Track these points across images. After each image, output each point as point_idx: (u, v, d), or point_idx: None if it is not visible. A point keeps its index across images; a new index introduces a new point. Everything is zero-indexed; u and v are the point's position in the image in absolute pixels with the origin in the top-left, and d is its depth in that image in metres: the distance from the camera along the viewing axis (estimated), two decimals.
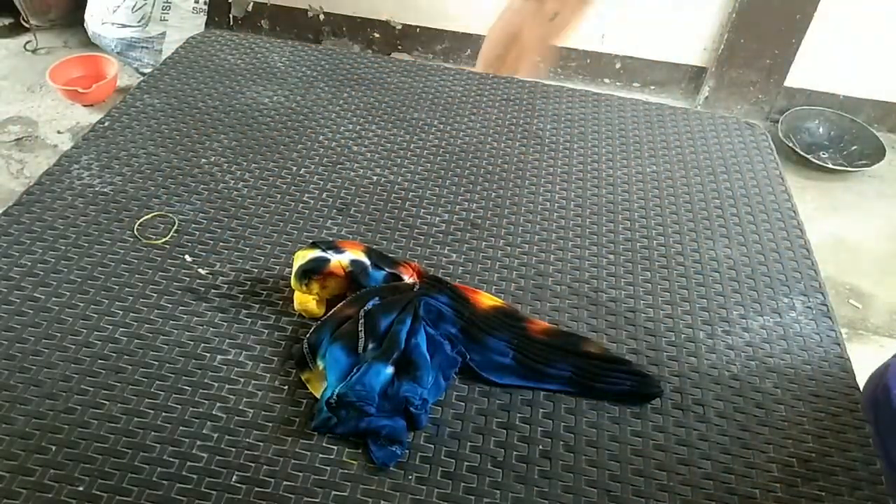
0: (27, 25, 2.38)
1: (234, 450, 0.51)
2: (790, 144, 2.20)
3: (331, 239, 0.68)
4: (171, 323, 0.60)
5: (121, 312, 0.60)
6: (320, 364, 0.56)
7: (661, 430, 0.56)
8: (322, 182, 0.77)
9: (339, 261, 0.60)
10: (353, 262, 0.60)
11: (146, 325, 0.59)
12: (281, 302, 0.63)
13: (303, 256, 0.60)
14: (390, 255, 0.66)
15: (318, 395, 0.55)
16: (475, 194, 0.77)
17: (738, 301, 0.68)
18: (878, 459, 0.55)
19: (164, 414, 0.53)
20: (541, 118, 0.90)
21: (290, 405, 0.55)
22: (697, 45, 2.28)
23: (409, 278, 0.62)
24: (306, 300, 0.60)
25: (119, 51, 2.22)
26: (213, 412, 0.53)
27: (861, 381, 0.63)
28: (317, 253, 0.60)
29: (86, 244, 0.66)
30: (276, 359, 0.58)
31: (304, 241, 0.69)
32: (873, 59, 2.20)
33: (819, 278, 0.71)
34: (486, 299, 0.62)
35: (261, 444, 0.52)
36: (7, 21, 2.44)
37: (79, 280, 0.63)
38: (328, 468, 0.51)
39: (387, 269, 0.62)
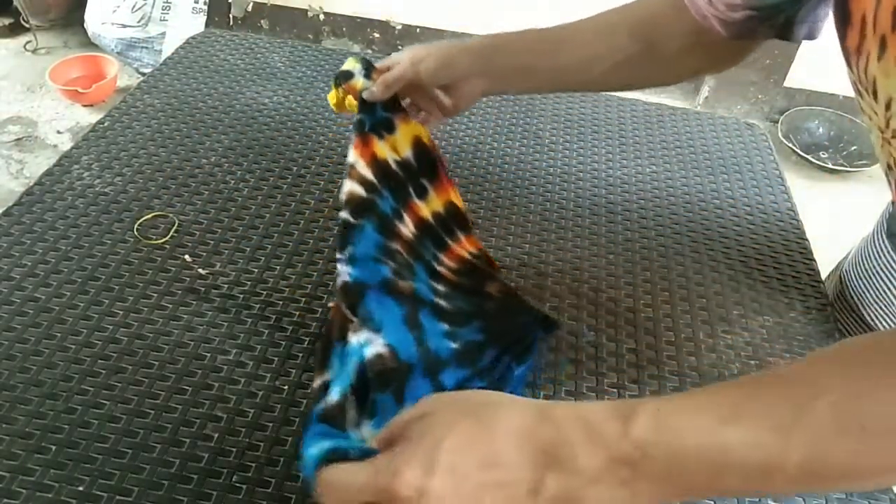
0: (27, 25, 2.38)
1: (234, 450, 0.51)
2: (790, 144, 2.20)
3: (376, 66, 0.65)
4: (172, 323, 0.60)
5: (121, 312, 0.60)
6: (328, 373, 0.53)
7: None
8: (322, 182, 0.77)
9: (356, 85, 0.62)
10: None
11: (147, 325, 0.59)
12: (281, 302, 0.63)
13: (349, 63, 0.63)
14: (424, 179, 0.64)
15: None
16: (475, 194, 0.77)
17: (737, 301, 0.68)
18: None
19: (164, 414, 0.53)
20: (541, 118, 0.91)
21: (290, 405, 0.55)
22: None
23: (408, 230, 0.60)
24: (332, 97, 0.65)
25: (119, 51, 2.22)
26: (214, 412, 0.53)
27: None
28: (355, 66, 0.63)
29: (86, 244, 0.66)
30: (276, 359, 0.58)
31: (305, 241, 0.69)
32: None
33: (819, 278, 0.72)
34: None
35: (261, 444, 0.52)
36: (7, 21, 2.45)
37: (79, 280, 0.63)
38: None
39: (391, 207, 0.59)
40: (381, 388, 0.48)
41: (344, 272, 0.54)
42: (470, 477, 0.33)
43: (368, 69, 0.63)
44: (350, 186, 0.58)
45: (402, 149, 0.63)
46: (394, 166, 0.62)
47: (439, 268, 0.62)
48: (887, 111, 0.43)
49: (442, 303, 0.58)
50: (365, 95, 0.61)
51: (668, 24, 0.59)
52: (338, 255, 0.55)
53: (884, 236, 0.67)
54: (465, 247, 0.65)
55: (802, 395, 0.32)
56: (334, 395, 0.47)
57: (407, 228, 0.61)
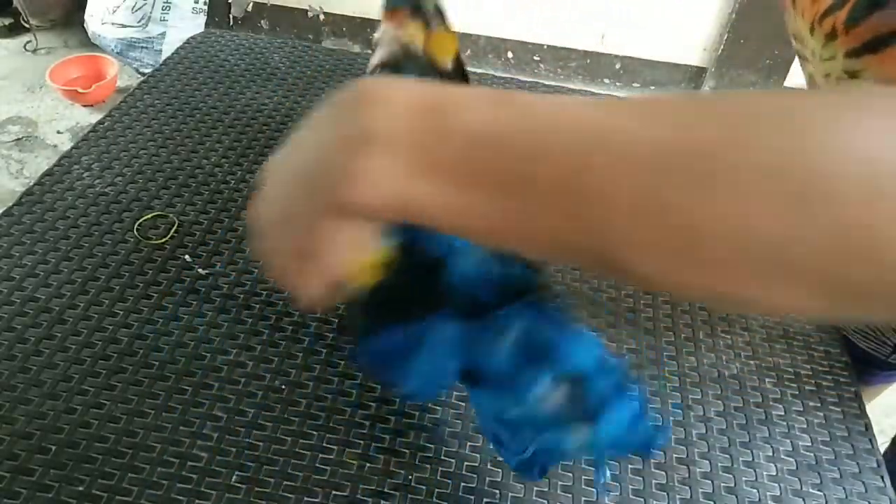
0: (27, 25, 2.38)
1: (234, 450, 0.51)
2: None
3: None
4: (172, 323, 0.60)
5: (122, 312, 0.60)
6: None
7: (660, 429, 0.56)
8: None
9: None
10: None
11: (147, 325, 0.59)
12: (281, 302, 0.63)
13: None
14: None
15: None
16: None
17: None
18: (878, 457, 0.56)
19: (164, 413, 0.53)
20: None
21: (289, 405, 0.55)
22: (697, 45, 2.28)
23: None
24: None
25: (119, 51, 2.22)
26: (214, 412, 0.53)
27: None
28: None
29: (86, 244, 0.66)
30: (275, 359, 0.58)
31: None
32: None
33: None
34: None
35: (261, 444, 0.52)
36: (7, 21, 2.45)
37: (79, 280, 0.63)
38: (328, 468, 0.51)
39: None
40: None
41: None
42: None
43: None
44: (380, 54, 0.52)
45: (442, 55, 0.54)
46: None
47: None
48: (796, 42, 0.57)
49: None
50: None
51: None
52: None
53: None
54: None
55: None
56: None
57: None
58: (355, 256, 0.31)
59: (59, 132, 2.08)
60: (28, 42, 2.39)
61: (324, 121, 0.29)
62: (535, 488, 0.51)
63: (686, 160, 0.22)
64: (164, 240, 0.68)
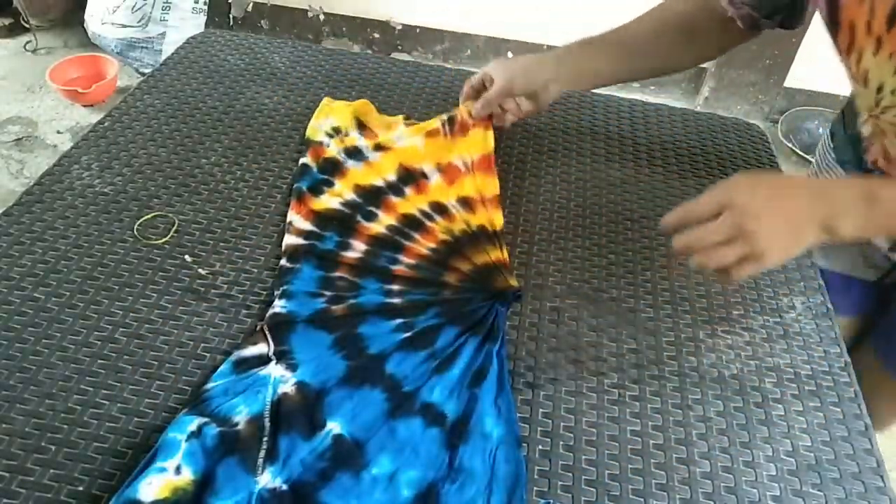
0: (27, 25, 2.38)
1: None
2: (790, 145, 2.20)
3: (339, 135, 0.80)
4: (171, 323, 0.60)
5: (121, 312, 0.60)
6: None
7: (660, 429, 0.56)
8: None
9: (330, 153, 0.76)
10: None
11: (146, 325, 0.59)
12: None
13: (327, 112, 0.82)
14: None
15: None
16: None
17: (738, 301, 0.68)
18: (878, 457, 0.55)
19: (163, 414, 0.53)
20: (542, 119, 0.90)
21: None
22: None
23: (356, 253, 0.66)
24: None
25: (119, 51, 2.22)
26: None
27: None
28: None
29: (86, 244, 0.66)
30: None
31: None
32: None
33: (819, 278, 0.71)
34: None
35: None
36: (7, 21, 2.44)
37: (79, 280, 0.63)
38: None
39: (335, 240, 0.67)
40: (286, 428, 0.51)
41: (277, 305, 0.60)
42: (772, 203, 0.53)
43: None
44: (288, 240, 0.67)
45: (346, 193, 0.73)
46: (338, 207, 0.71)
47: (396, 267, 0.65)
48: (878, 94, 0.58)
49: (395, 301, 0.62)
50: (473, 113, 0.77)
51: (703, 20, 0.73)
52: (274, 293, 0.61)
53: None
54: (434, 234, 0.70)
55: None
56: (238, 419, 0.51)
57: (355, 252, 0.66)
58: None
59: (59, 132, 2.08)
60: (28, 42, 2.39)
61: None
62: (536, 488, 0.51)
63: None
64: (163, 240, 0.67)
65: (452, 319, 0.61)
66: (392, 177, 0.75)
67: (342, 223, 0.69)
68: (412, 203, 0.72)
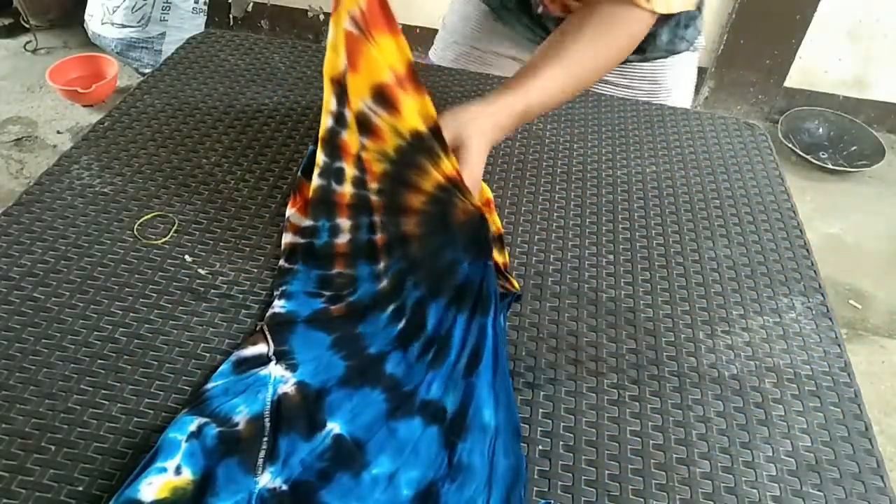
0: (27, 25, 2.38)
1: None
2: (790, 145, 2.21)
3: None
4: (171, 323, 0.60)
5: (120, 312, 0.60)
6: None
7: (660, 430, 0.56)
8: None
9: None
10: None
11: (146, 325, 0.59)
12: None
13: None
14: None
15: None
16: None
17: (738, 301, 0.68)
18: (878, 457, 0.55)
19: (163, 414, 0.53)
20: (541, 118, 0.90)
21: None
22: None
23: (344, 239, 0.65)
24: None
25: (119, 51, 2.22)
26: None
27: (861, 381, 0.63)
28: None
29: (85, 244, 0.66)
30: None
31: None
32: (873, 59, 2.20)
33: (819, 278, 0.71)
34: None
35: None
36: (7, 21, 2.45)
37: (78, 280, 0.63)
38: None
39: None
40: (286, 428, 0.51)
41: (277, 305, 0.60)
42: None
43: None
44: (286, 239, 0.67)
45: (321, 158, 0.66)
46: (318, 183, 0.66)
47: (378, 236, 0.62)
48: None
49: (384, 284, 0.61)
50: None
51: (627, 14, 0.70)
52: (274, 293, 0.62)
53: None
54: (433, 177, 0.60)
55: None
56: (238, 419, 0.52)
57: (344, 235, 0.65)
58: None
59: (59, 132, 2.08)
60: (28, 42, 2.39)
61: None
62: (536, 488, 0.51)
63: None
64: (163, 240, 0.67)
65: (437, 291, 0.59)
66: (346, 112, 0.63)
67: (326, 204, 0.65)
68: (370, 150, 0.62)
